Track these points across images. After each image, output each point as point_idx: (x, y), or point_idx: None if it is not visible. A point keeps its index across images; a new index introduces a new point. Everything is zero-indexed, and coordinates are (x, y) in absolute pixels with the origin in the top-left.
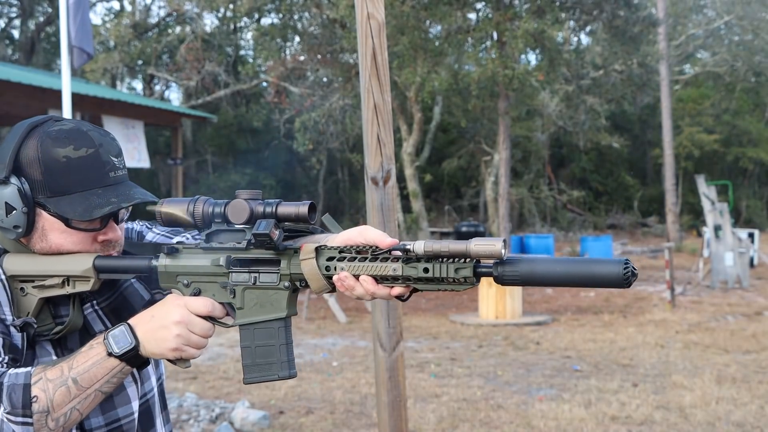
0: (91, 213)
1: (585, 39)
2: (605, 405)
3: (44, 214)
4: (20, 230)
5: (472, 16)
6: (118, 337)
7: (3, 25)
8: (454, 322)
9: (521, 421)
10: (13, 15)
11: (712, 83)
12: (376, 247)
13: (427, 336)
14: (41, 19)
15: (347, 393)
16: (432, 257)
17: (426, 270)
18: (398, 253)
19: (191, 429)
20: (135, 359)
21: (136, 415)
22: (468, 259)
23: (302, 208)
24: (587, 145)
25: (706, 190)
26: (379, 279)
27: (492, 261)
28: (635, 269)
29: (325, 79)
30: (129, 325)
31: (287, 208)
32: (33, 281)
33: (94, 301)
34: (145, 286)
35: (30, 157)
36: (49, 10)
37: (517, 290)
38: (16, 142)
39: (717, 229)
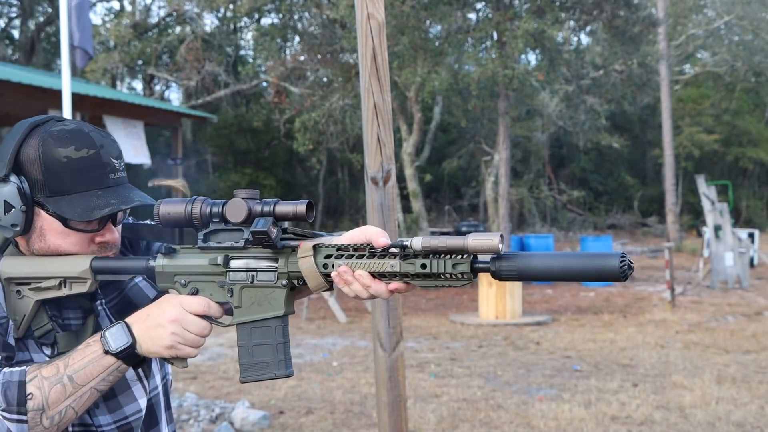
0: (90, 214)
1: (585, 39)
2: (605, 405)
3: (43, 213)
4: (18, 228)
5: (472, 16)
6: (115, 335)
7: (3, 25)
8: (454, 322)
9: (521, 421)
10: (13, 15)
11: (712, 83)
12: (372, 245)
13: (427, 336)
14: (41, 19)
15: (347, 393)
16: (430, 253)
17: (423, 266)
18: (395, 250)
19: (191, 429)
20: (131, 357)
21: (143, 412)
22: (465, 255)
23: (300, 207)
24: (587, 145)
25: (706, 190)
26: (376, 275)
27: (489, 256)
28: (632, 262)
29: (325, 79)
30: (126, 323)
31: (285, 207)
32: (29, 283)
33: (103, 300)
34: (152, 284)
35: (31, 156)
36: (49, 10)
37: (518, 290)
38: (17, 141)
39: (717, 229)
